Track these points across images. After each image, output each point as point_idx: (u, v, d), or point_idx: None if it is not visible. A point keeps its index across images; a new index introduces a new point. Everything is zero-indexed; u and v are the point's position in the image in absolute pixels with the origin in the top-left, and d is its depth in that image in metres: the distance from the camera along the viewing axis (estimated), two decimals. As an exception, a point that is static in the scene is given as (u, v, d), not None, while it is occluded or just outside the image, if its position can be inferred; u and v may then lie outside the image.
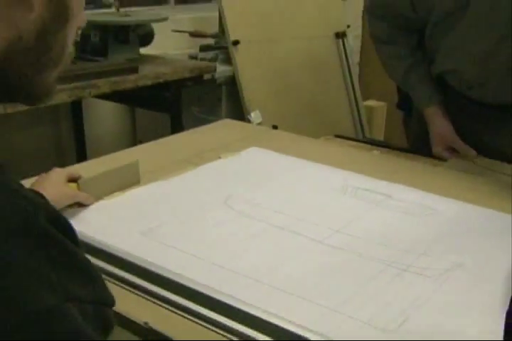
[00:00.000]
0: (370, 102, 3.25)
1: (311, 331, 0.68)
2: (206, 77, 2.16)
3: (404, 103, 1.58)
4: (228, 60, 2.33)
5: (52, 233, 0.38)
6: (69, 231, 0.41)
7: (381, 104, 3.25)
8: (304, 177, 1.19)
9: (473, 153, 1.36)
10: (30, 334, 0.34)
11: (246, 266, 0.83)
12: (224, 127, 1.56)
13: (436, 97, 1.40)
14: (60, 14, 0.49)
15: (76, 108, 2.50)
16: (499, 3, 1.19)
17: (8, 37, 0.46)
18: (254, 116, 2.23)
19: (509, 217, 1.01)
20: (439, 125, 1.40)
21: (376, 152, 1.39)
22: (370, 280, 0.81)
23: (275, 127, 1.60)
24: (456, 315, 0.73)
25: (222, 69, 2.29)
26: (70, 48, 0.53)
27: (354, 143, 1.50)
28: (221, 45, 2.48)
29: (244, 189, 1.11)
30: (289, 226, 0.96)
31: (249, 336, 0.69)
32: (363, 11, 3.94)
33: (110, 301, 0.42)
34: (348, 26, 2.96)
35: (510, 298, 0.69)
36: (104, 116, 2.75)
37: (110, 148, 2.10)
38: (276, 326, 0.69)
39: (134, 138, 2.79)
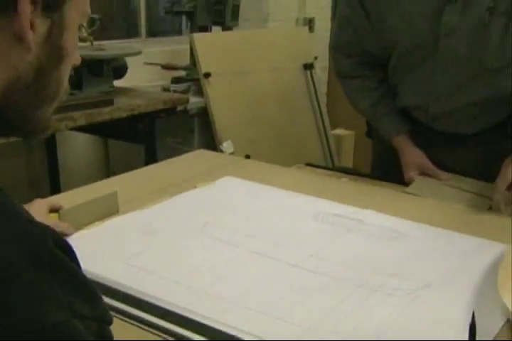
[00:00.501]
0: (339, 131, 3.35)
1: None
2: (179, 108, 2.22)
3: (373, 131, 1.65)
4: (200, 92, 2.39)
5: (60, 256, 0.42)
6: (71, 253, 0.45)
7: (349, 132, 3.35)
8: (278, 204, 1.24)
9: (447, 176, 1.42)
10: None
11: (225, 289, 0.86)
12: (198, 157, 1.61)
13: (405, 127, 1.47)
14: (55, 54, 0.53)
15: (50, 139, 2.53)
16: (465, 41, 1.28)
17: (7, 77, 0.50)
18: (226, 146, 2.28)
19: (472, 239, 1.07)
20: (412, 153, 1.46)
21: (345, 179, 1.45)
22: (343, 300, 0.85)
23: (248, 157, 1.66)
24: (424, 330, 0.78)
25: (194, 101, 2.35)
26: (66, 85, 0.57)
27: (324, 171, 1.56)
28: (192, 77, 2.55)
29: (221, 216, 1.15)
30: (265, 252, 1.00)
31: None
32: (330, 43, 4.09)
33: (109, 319, 0.46)
34: (316, 58, 3.07)
35: (472, 314, 0.74)
36: (77, 147, 2.77)
37: (84, 179, 2.13)
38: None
39: (108, 169, 2.82)
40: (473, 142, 1.45)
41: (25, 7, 0.48)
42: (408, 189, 1.37)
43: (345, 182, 1.43)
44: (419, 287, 0.90)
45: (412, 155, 1.45)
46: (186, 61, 2.69)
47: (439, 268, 0.96)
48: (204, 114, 2.37)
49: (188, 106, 2.29)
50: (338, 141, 3.20)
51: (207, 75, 2.34)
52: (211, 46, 2.41)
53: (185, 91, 2.41)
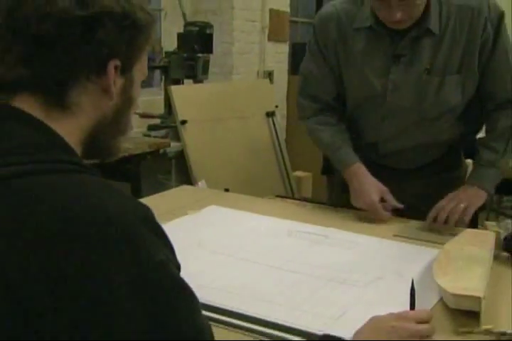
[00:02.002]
0: (298, 173, 3.67)
1: (286, 322, 0.98)
2: (160, 151, 2.49)
3: (328, 170, 1.90)
4: (177, 137, 2.67)
5: (156, 221, 0.68)
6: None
7: (307, 174, 3.68)
8: (257, 226, 1.50)
9: (400, 206, 1.58)
10: (155, 274, 0.62)
11: (228, 283, 1.12)
12: (184, 191, 1.87)
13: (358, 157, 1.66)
14: (127, 102, 0.80)
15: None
16: (408, 95, 1.56)
17: (96, 117, 0.77)
18: (201, 184, 2.54)
19: (415, 247, 1.35)
20: (372, 179, 1.58)
21: (309, 206, 1.73)
22: (318, 290, 1.12)
23: (227, 190, 1.92)
24: (377, 309, 1.04)
25: (172, 145, 2.63)
26: (131, 124, 0.84)
27: (291, 200, 1.83)
28: (167, 125, 2.83)
29: (212, 235, 1.40)
30: (252, 259, 1.26)
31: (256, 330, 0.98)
32: (287, 94, 4.46)
33: (180, 269, 0.71)
34: (277, 106, 3.40)
35: (414, 299, 1.00)
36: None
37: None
38: (267, 322, 0.99)
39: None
40: (416, 175, 1.73)
41: (111, 70, 0.74)
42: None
43: (310, 209, 1.71)
44: (374, 279, 1.17)
45: (373, 181, 1.58)
46: (160, 110, 2.97)
47: (389, 267, 1.23)
48: (181, 156, 2.64)
49: (168, 150, 2.56)
50: (298, 181, 3.51)
51: (183, 122, 2.63)
52: (186, 97, 2.71)
53: (165, 137, 2.69)
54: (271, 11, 4.39)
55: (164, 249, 0.67)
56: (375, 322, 0.90)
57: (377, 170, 1.69)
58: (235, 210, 1.62)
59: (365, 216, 1.58)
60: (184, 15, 3.27)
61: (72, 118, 0.73)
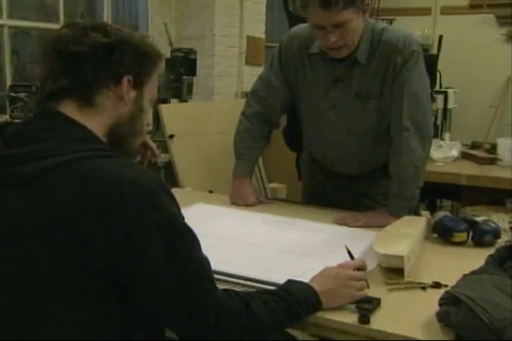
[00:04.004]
0: (273, 184, 4.00)
1: (261, 277, 1.31)
2: (151, 161, 2.81)
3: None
4: (165, 150, 3.00)
5: (168, 187, 1.00)
6: None
7: (282, 185, 4.02)
8: (237, 217, 1.83)
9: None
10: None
11: (217, 255, 1.44)
12: (174, 193, 2.18)
13: (249, 174, 2.05)
14: (138, 109, 1.11)
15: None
16: (341, 113, 1.86)
17: (115, 116, 1.07)
18: (186, 192, 2.86)
19: (362, 231, 1.69)
20: (246, 186, 2.03)
21: (281, 204, 2.06)
22: (284, 259, 1.45)
23: (211, 191, 2.24)
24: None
25: (161, 156, 2.95)
26: (144, 126, 1.16)
27: (266, 200, 2.17)
28: (155, 139, 3.15)
29: (200, 224, 1.71)
30: (235, 239, 1.59)
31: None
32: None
33: (184, 218, 1.03)
34: (253, 124, 3.75)
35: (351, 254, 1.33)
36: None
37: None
38: (263, 281, 1.30)
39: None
40: (359, 180, 2.03)
41: (124, 83, 1.06)
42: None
43: (282, 205, 2.04)
44: (328, 253, 1.50)
45: (248, 188, 2.02)
46: (149, 126, 3.30)
47: (341, 244, 1.55)
48: (169, 166, 2.97)
49: (158, 161, 2.89)
50: (273, 192, 3.84)
51: (171, 136, 2.96)
52: (173, 114, 3.04)
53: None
54: (248, 37, 4.77)
55: (175, 206, 1.00)
56: (324, 270, 1.23)
57: (328, 174, 2.06)
58: (218, 206, 1.95)
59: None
60: (171, 41, 3.62)
61: (97, 115, 1.04)
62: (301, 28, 1.92)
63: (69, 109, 1.03)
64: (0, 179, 0.96)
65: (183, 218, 1.01)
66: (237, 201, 1.99)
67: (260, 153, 2.09)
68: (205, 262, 1.02)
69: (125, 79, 1.05)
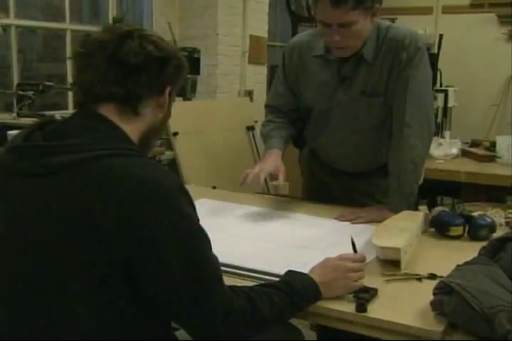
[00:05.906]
0: (275, 182, 4.04)
1: (264, 269, 1.36)
2: (156, 158, 2.86)
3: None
4: (169, 147, 3.05)
5: (186, 188, 1.05)
6: None
7: (284, 183, 4.05)
8: (240, 212, 1.88)
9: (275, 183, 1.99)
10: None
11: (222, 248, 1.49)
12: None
13: (282, 147, 1.97)
14: (167, 114, 1.18)
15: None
16: (346, 111, 1.90)
17: (150, 124, 1.13)
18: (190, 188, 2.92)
19: (362, 225, 1.74)
20: (273, 158, 1.92)
21: (283, 200, 2.11)
22: (286, 251, 1.50)
23: (214, 187, 2.29)
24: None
25: (166, 154, 3.01)
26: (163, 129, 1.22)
27: (269, 196, 2.22)
28: (161, 136, 3.21)
29: (205, 219, 1.76)
30: (237, 234, 1.64)
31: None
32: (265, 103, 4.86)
33: (199, 220, 1.08)
34: (256, 121, 3.79)
35: (355, 246, 1.38)
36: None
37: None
38: (265, 272, 1.35)
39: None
40: (360, 178, 2.06)
41: (166, 93, 1.13)
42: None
43: (285, 201, 2.10)
44: (329, 245, 1.55)
45: (274, 159, 1.92)
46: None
47: (342, 238, 1.61)
48: (173, 163, 3.02)
49: (162, 157, 2.94)
50: (275, 189, 3.89)
51: (175, 134, 3.01)
52: (177, 112, 3.07)
53: (160, 146, 3.07)
54: (251, 36, 4.82)
55: (191, 207, 1.05)
56: (324, 261, 1.28)
57: (331, 171, 2.10)
58: (222, 202, 2.00)
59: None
60: (175, 41, 3.67)
61: (136, 122, 1.11)
62: (300, 36, 2.00)
63: (109, 112, 1.09)
64: (29, 168, 1.01)
65: (198, 219, 1.06)
66: (255, 167, 1.91)
67: (289, 134, 2.04)
68: (215, 262, 1.07)
69: (167, 90, 1.13)
